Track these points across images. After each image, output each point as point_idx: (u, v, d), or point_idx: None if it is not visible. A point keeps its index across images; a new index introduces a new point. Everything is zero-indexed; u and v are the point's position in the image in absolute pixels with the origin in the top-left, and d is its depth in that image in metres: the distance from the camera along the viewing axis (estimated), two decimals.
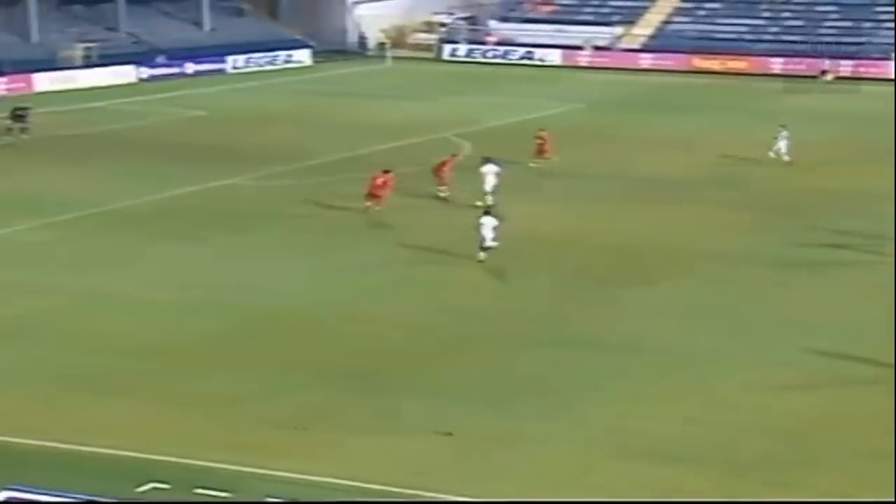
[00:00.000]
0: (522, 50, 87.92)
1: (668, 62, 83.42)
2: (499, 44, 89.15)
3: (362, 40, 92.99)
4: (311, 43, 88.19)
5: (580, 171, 49.44)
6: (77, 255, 36.92)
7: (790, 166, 49.10)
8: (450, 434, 23.90)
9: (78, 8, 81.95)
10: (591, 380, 27.09)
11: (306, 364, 27.85)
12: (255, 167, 49.20)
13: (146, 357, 28.18)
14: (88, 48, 76.90)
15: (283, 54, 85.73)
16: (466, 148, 54.24)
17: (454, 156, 45.65)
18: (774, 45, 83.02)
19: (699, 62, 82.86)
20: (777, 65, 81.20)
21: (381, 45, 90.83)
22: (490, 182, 42.47)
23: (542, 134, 49.33)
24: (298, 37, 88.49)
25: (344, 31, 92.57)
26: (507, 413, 25.15)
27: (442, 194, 43.49)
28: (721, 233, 39.47)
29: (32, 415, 24.75)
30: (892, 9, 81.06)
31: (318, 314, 31.45)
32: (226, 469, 22.28)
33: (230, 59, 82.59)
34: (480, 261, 35.61)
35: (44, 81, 72.24)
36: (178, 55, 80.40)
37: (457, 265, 35.94)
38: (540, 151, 48.69)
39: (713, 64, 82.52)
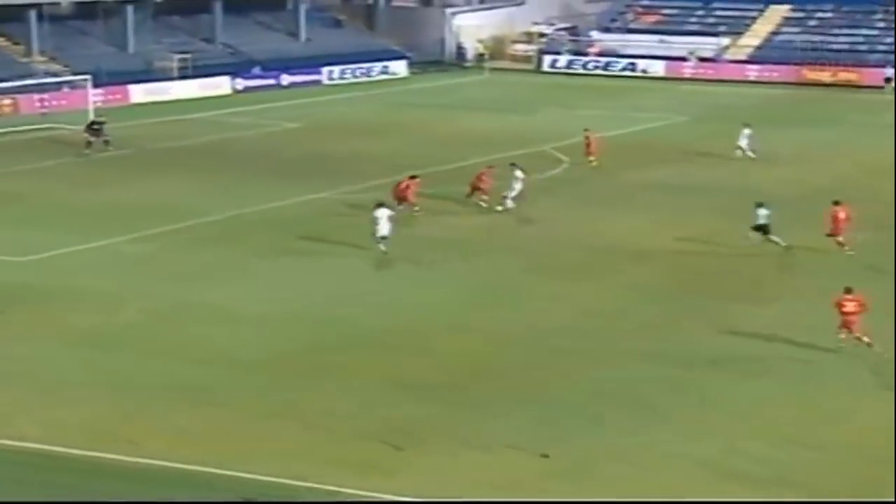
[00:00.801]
0: (625, 61, 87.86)
1: (776, 74, 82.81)
2: (600, 55, 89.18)
3: (460, 51, 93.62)
4: (408, 54, 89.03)
5: (679, 183, 49.36)
6: (174, 267, 37.81)
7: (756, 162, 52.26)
8: (546, 456, 24.15)
9: (175, 19, 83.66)
10: (689, 397, 27.15)
11: (402, 378, 28.28)
12: (351, 180, 49.89)
13: (242, 369, 28.83)
14: (184, 59, 78.48)
15: (379, 66, 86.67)
16: (565, 162, 54.48)
17: (490, 167, 46.24)
18: (889, 56, 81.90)
19: (809, 73, 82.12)
20: (891, 76, 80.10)
21: (480, 57, 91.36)
22: (516, 188, 44.30)
23: (588, 134, 53.16)
24: (395, 48, 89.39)
25: (441, 42, 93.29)
26: (603, 430, 25.33)
27: (483, 204, 44.49)
28: (826, 250, 38.96)
29: (127, 426, 25.44)
30: None
31: (414, 328, 31.91)
32: (321, 488, 22.67)
33: (326, 70, 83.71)
34: (384, 252, 37.92)
35: (139, 93, 73.91)
36: (274, 66, 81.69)
37: (552, 279, 36.18)
38: (588, 150, 52.44)
39: (823, 75, 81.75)
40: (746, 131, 54.48)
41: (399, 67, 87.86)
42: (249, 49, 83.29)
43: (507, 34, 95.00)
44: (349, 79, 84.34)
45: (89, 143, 55.70)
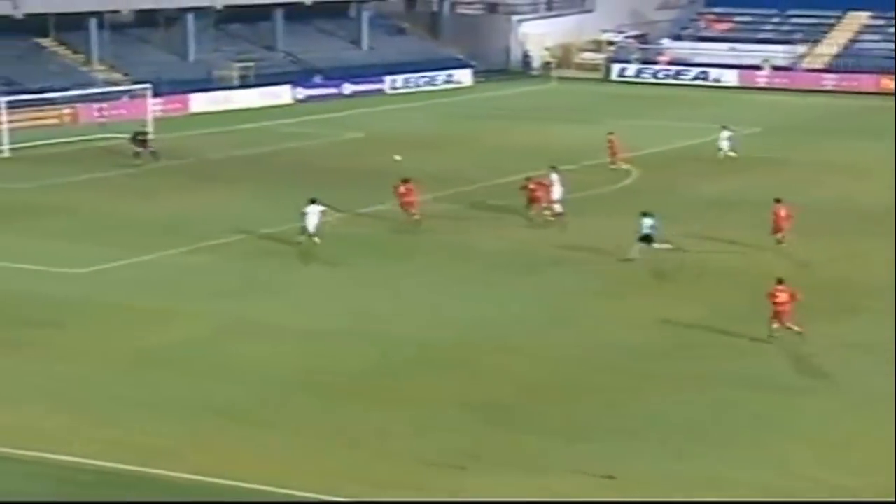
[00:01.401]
0: (696, 70, 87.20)
1: (854, 83, 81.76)
2: (671, 63, 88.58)
3: (526, 60, 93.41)
4: (473, 63, 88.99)
5: (752, 197, 48.74)
6: (226, 281, 37.87)
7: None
8: (612, 478, 23.82)
9: (236, 27, 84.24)
10: (758, 420, 26.68)
11: (456, 398, 28.05)
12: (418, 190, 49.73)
13: (292, 388, 28.73)
14: (245, 68, 78.99)
15: (443, 74, 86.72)
16: (633, 174, 54.08)
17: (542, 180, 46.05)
18: None
19: (889, 83, 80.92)
20: None
21: (546, 65, 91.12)
22: (557, 191, 44.82)
23: (611, 137, 54.72)
24: (459, 56, 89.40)
25: (507, 51, 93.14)
26: (666, 454, 24.93)
27: (550, 217, 44.58)
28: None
29: (181, 446, 25.41)
30: None
31: (469, 346, 31.68)
32: None
33: (388, 79, 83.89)
34: (300, 243, 40.09)
35: (199, 102, 74.44)
36: (336, 75, 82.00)
37: (617, 297, 35.81)
38: (612, 153, 54.09)
39: None
40: (726, 133, 56.87)
41: (463, 76, 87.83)
42: (311, 57, 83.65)
43: (575, 42, 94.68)
44: (412, 88, 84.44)
45: (137, 154, 56.05)
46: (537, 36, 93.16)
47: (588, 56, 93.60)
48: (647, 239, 38.92)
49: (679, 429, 26.34)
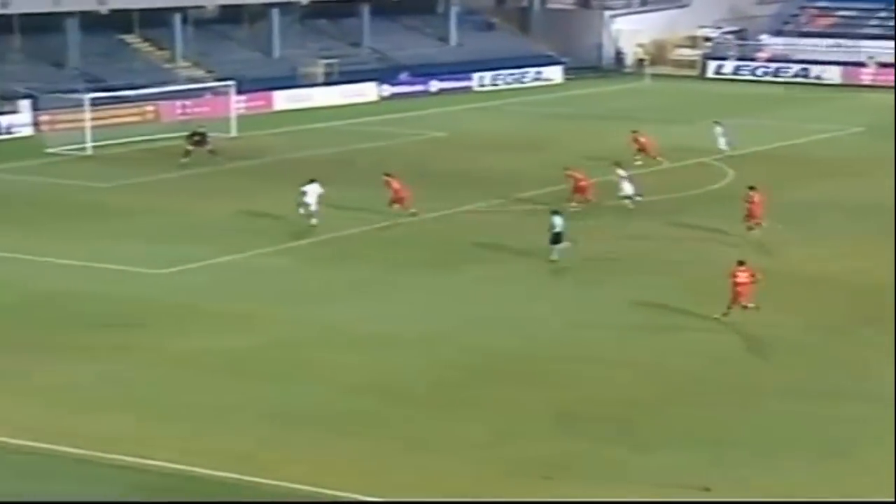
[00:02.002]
0: (797, 67, 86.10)
1: None
2: (770, 60, 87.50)
3: (619, 56, 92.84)
4: (564, 59, 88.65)
5: (850, 201, 47.98)
6: (306, 284, 38.10)
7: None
8: (708, 490, 23.55)
9: (321, 23, 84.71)
10: (853, 432, 26.33)
11: (538, 407, 27.99)
12: (497, 193, 49.73)
13: (371, 394, 28.82)
14: (330, 64, 79.37)
15: (532, 71, 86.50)
16: (729, 175, 53.47)
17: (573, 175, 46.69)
18: None
19: None
20: None
21: (640, 62, 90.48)
22: (627, 188, 46.23)
23: (636, 136, 55.46)
24: (550, 53, 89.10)
25: (599, 47, 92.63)
26: (767, 469, 24.63)
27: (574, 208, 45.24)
28: None
29: (265, 453, 25.56)
30: None
31: (561, 355, 31.56)
32: None
33: (476, 76, 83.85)
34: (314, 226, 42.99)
35: (283, 99, 74.92)
36: (422, 72, 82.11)
37: (711, 304, 35.34)
38: (641, 151, 54.63)
39: None
40: (719, 129, 57.80)
41: (554, 73, 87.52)
42: (397, 54, 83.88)
43: (670, 38, 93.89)
44: (501, 85, 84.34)
45: (188, 153, 56.39)
46: (631, 32, 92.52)
47: (683, 52, 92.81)
48: (557, 238, 39.59)
49: (768, 440, 26.02)
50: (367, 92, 78.92)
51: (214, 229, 44.67)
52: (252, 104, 72.20)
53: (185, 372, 30.30)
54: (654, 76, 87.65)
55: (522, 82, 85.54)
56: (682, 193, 49.04)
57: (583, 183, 46.37)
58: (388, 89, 79.98)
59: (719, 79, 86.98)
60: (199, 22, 79.31)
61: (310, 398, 28.56)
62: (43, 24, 71.30)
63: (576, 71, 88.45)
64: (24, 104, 66.04)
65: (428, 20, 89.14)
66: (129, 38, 76.97)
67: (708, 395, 28.75)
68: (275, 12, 79.89)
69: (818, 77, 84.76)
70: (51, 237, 43.13)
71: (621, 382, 29.67)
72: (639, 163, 53.80)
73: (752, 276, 33.65)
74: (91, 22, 72.87)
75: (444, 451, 25.59)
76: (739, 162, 55.68)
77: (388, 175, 45.97)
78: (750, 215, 42.36)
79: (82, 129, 60.37)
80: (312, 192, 44.24)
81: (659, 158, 54.35)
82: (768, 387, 29.23)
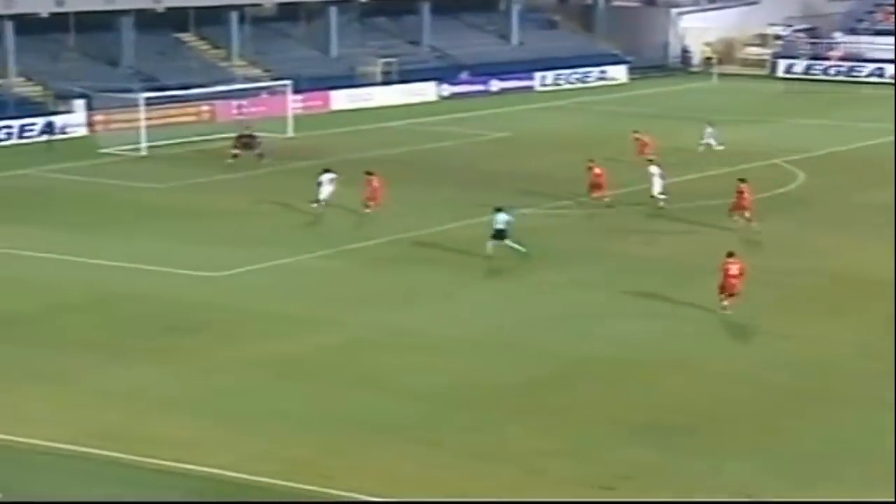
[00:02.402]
0: (871, 66, 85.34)
1: None
2: (843, 59, 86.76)
3: (686, 55, 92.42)
4: (629, 58, 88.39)
5: None
6: (368, 288, 38.19)
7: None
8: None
9: (380, 20, 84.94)
10: None
11: (621, 418, 27.86)
12: (564, 195, 49.61)
13: (440, 402, 28.84)
14: (389, 63, 79.59)
15: (596, 71, 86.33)
16: (799, 177, 53.07)
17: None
18: None
19: None
20: None
21: (707, 61, 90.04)
22: (657, 184, 47.03)
23: (638, 136, 56.20)
24: (614, 51, 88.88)
25: (665, 46, 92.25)
26: (843, 482, 24.42)
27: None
28: None
29: (322, 460, 25.63)
30: None
31: (631, 361, 31.46)
32: None
33: (538, 75, 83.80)
34: (314, 209, 45.41)
35: (341, 99, 75.23)
36: (483, 71, 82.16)
37: (786, 311, 35.11)
38: (641, 152, 54.81)
39: None
40: (709, 129, 59.73)
41: (618, 73, 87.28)
42: (458, 52, 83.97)
43: (739, 36, 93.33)
44: (563, 85, 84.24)
45: (235, 156, 56.59)
46: (698, 30, 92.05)
47: (753, 51, 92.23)
48: (500, 235, 39.97)
49: (860, 454, 25.81)
50: (427, 91, 79.08)
51: (274, 231, 44.88)
52: (309, 104, 72.56)
53: (248, 376, 30.42)
54: (722, 75, 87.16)
55: (585, 82, 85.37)
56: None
57: (599, 179, 47.37)
58: (447, 89, 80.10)
59: (789, 78, 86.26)
60: (255, 20, 79.81)
61: (373, 404, 28.58)
62: (97, 23, 72.05)
63: (641, 70, 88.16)
64: (79, 104, 66.72)
65: (489, 18, 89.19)
66: (184, 36, 77.61)
67: (780, 405, 28.47)
68: (333, 10, 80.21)
69: (893, 77, 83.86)
70: (106, 239, 43.49)
71: (696, 391, 29.47)
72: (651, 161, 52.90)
73: (742, 268, 34.46)
74: (146, 20, 73.50)
75: (506, 461, 25.51)
76: (811, 164, 55.23)
77: (369, 173, 46.58)
78: (737, 206, 43.57)
79: (137, 129, 60.87)
80: (327, 181, 46.64)
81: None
82: (842, 396, 28.95)
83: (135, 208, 48.75)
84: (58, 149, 61.16)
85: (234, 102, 70.06)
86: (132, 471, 25.04)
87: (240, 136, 57.72)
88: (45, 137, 63.26)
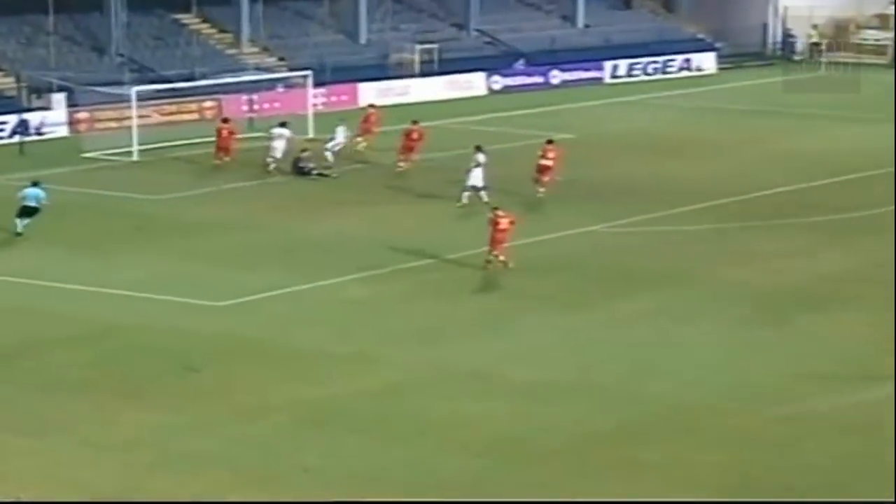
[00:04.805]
0: None
1: None
2: None
3: (787, 40, 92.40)
4: (718, 44, 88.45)
5: None
6: (416, 319, 38.39)
7: None
8: None
9: (418, 0, 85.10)
10: None
11: (708, 472, 27.98)
12: (636, 209, 49.76)
13: (504, 453, 28.97)
14: (428, 50, 79.88)
15: (678, 59, 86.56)
16: None
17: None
18: None
19: None
20: None
21: (814, 47, 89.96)
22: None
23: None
24: (701, 36, 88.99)
25: (763, 29, 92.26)
26: None
27: None
28: None
29: None
30: None
31: (735, 408, 31.52)
32: None
33: (609, 65, 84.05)
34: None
35: (371, 93, 75.29)
36: (542, 60, 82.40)
37: None
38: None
39: None
40: None
41: (705, 61, 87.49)
42: (511, 38, 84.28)
43: (853, 17, 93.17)
44: (639, 76, 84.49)
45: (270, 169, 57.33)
46: (803, 10, 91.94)
47: (870, 35, 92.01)
48: (28, 212, 45.80)
49: None
50: (475, 84, 79.36)
51: (289, 251, 45.10)
52: (333, 99, 72.87)
53: (270, 425, 30.57)
54: (832, 64, 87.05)
55: (666, 72, 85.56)
56: (866, 212, 48.89)
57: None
58: (499, 80, 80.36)
59: None
60: None
61: (419, 457, 28.77)
62: (81, 2, 72.67)
63: (733, 59, 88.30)
64: (58, 98, 67.08)
65: None
66: (184, 17, 78.09)
67: None
68: None
69: None
70: (96, 261, 43.80)
71: (811, 444, 29.56)
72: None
73: (513, 221, 41.19)
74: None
75: None
76: None
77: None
78: (540, 170, 50.98)
79: (128, 128, 61.32)
80: (280, 136, 55.94)
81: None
82: None
83: (128, 224, 48.96)
84: (32, 152, 61.56)
85: (244, 97, 70.28)
86: None
87: (296, 162, 57.74)
88: (17, 139, 63.62)
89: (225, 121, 60.61)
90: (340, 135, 57.85)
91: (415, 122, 57.89)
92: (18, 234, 46.07)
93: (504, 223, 41.39)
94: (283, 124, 57.61)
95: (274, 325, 37.69)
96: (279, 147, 56.76)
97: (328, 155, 56.84)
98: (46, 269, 42.85)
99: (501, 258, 41.62)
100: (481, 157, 51.08)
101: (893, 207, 47.50)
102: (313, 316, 38.71)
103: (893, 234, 44.19)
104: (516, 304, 39.44)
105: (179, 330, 37.10)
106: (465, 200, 49.83)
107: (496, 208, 42.28)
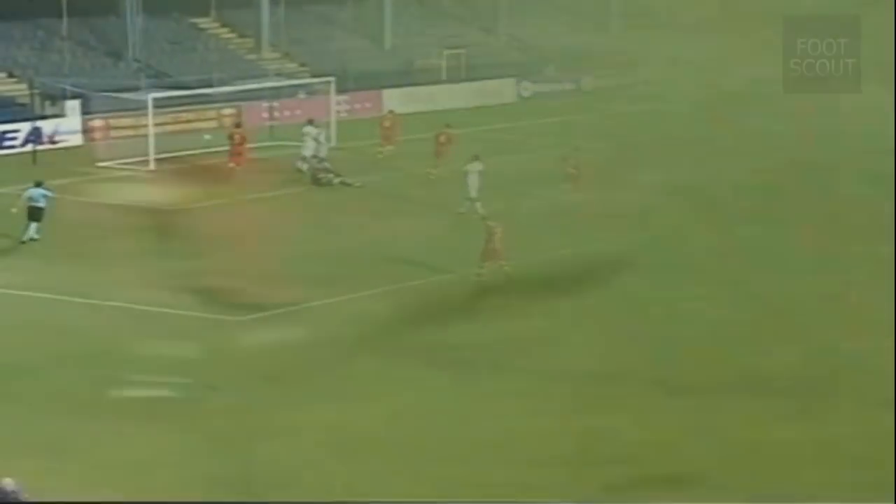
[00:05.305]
0: None
1: None
2: None
3: None
4: None
5: None
6: (437, 335, 38.30)
7: None
8: None
9: (445, 3, 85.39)
10: None
11: None
12: None
13: (559, 467, 28.91)
14: (456, 56, 80.00)
15: None
16: None
17: None
18: None
19: None
20: None
21: None
22: None
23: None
24: None
25: None
26: None
27: None
28: None
29: None
30: None
31: None
32: None
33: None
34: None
35: (396, 100, 75.50)
36: (575, 66, 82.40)
37: None
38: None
39: None
40: None
41: None
42: (543, 42, 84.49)
43: None
44: None
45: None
46: None
47: None
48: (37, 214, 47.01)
49: None
50: (504, 91, 79.54)
51: (304, 265, 45.14)
52: (357, 106, 73.25)
53: (298, 449, 30.35)
54: None
55: None
56: None
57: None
58: (529, 87, 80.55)
59: None
60: (290, 2, 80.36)
61: (460, 480, 28.57)
62: (96, 5, 73.11)
63: None
64: (72, 106, 67.46)
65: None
66: (202, 21, 78.56)
67: None
68: None
69: None
70: (112, 273, 43.98)
71: None
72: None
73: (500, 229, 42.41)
74: (156, 2, 74.37)
75: None
76: None
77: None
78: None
79: (144, 137, 61.65)
80: (306, 134, 58.43)
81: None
82: None
83: (139, 236, 49.12)
84: (45, 161, 61.81)
85: (265, 104, 70.70)
86: None
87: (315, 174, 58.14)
88: (29, 147, 63.98)
89: (237, 126, 60.93)
90: (313, 143, 59.34)
91: (447, 126, 59.33)
92: (34, 240, 46.89)
93: (500, 233, 42.39)
94: (310, 122, 60.16)
95: (293, 342, 37.74)
96: (309, 146, 58.64)
97: (302, 165, 58.64)
98: (58, 282, 42.95)
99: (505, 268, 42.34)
100: (478, 167, 51.74)
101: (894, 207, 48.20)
102: (338, 330, 38.67)
103: (893, 235, 44.31)
104: (552, 322, 39.37)
105: (197, 346, 37.18)
106: (462, 210, 50.58)
107: (486, 218, 44.27)
